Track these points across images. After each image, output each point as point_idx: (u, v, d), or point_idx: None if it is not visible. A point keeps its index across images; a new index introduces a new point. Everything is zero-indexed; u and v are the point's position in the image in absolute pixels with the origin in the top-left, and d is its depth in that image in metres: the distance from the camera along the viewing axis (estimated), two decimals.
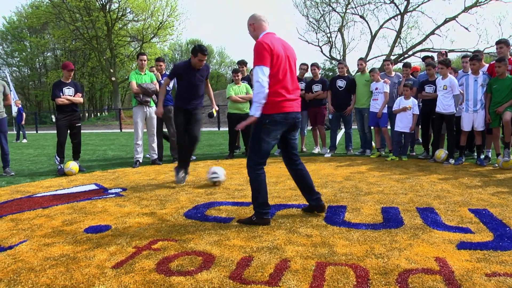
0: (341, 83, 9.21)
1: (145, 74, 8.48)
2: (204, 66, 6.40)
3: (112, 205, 5.00)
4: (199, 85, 6.41)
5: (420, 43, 32.96)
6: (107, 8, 32.12)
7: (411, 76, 8.87)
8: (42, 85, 46.03)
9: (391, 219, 4.17)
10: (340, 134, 10.44)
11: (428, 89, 8.15)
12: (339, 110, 9.15)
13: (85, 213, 4.70)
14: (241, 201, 5.04)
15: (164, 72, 8.89)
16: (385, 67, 9.32)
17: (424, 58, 9.32)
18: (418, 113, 8.16)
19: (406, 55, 33.71)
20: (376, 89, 8.58)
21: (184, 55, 75.27)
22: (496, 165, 7.23)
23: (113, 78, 30.96)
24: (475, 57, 7.46)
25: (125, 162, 9.09)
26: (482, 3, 30.21)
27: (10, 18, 42.20)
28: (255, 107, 4.01)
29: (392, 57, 33.54)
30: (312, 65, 9.64)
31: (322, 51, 36.18)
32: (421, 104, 8.46)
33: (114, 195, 5.57)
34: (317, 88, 9.56)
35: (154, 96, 8.37)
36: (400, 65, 30.43)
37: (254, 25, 4.20)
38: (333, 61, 36.03)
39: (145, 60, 8.41)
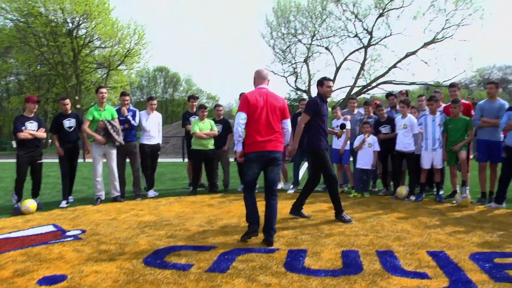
0: None
1: (105, 110, 8.22)
2: None
3: (70, 251, 4.83)
4: None
5: (383, 75, 34.15)
6: (74, 34, 31.75)
7: (372, 114, 9.10)
8: (4, 110, 44.76)
9: (350, 264, 4.20)
10: (303, 169, 10.50)
11: (384, 130, 8.38)
12: (301, 147, 9.15)
13: (40, 260, 4.51)
14: (201, 245, 4.97)
15: (129, 106, 8.77)
16: (349, 105, 9.52)
17: (387, 96, 9.56)
18: (379, 149, 8.34)
19: (369, 87, 34.75)
20: (337, 126, 8.73)
21: (151, 82, 74.99)
22: (454, 202, 7.42)
23: (78, 106, 30.42)
24: (433, 98, 7.74)
25: (87, 198, 8.83)
26: (438, 40, 31.80)
27: None
28: (236, 143, 5.24)
29: (356, 89, 34.45)
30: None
31: (287, 82, 36.81)
32: None
33: (72, 238, 5.38)
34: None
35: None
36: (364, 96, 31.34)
37: (255, 79, 5.34)
38: (298, 91, 36.67)
39: (105, 94, 8.20)
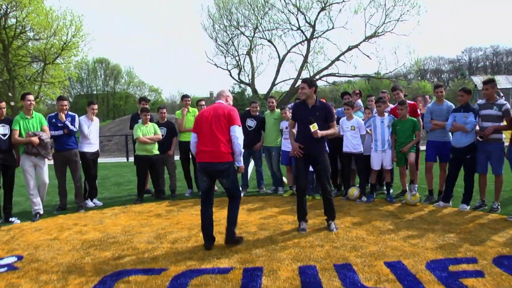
0: (251, 123, 9.07)
1: (33, 117, 7.55)
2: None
3: (2, 287, 4.31)
4: None
5: (326, 68, 34.64)
6: (2, 24, 29.51)
7: None
8: None
9: (309, 283, 4.06)
10: (250, 169, 10.32)
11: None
12: (248, 148, 8.95)
13: None
14: (152, 267, 4.66)
15: (67, 111, 8.19)
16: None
17: (342, 95, 9.50)
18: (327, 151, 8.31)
19: (313, 79, 35.14)
20: (287, 127, 8.57)
21: (91, 74, 72.19)
22: (404, 201, 7.52)
23: (12, 103, 28.53)
24: (380, 100, 7.79)
25: (24, 211, 8.14)
26: (379, 34, 32.68)
27: None
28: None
29: (300, 81, 34.65)
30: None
31: (231, 75, 36.52)
32: None
33: (6, 269, 4.78)
34: None
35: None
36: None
37: (215, 99, 5.65)
38: (242, 84, 36.47)
39: (33, 101, 7.55)
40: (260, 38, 36.01)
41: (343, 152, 8.06)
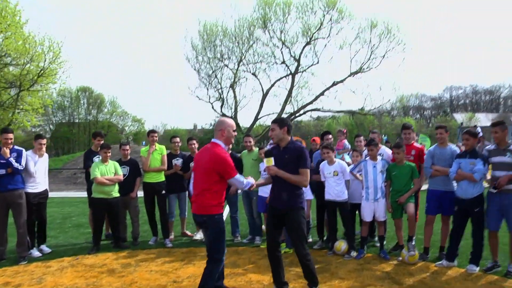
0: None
1: None
2: None
3: None
4: None
5: (311, 102, 34.15)
6: None
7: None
8: None
9: None
10: (225, 215, 9.21)
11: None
12: None
13: None
14: None
15: (12, 146, 7.07)
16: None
17: (323, 135, 8.54)
18: (311, 198, 7.30)
19: (297, 114, 34.50)
20: (265, 170, 7.51)
21: (74, 102, 70.60)
22: (400, 258, 6.48)
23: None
24: (372, 143, 6.86)
25: None
26: (365, 70, 32.53)
27: None
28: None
29: (284, 115, 34.03)
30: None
31: (213, 108, 35.68)
32: None
33: None
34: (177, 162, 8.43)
35: None
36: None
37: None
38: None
39: None
40: (244, 71, 35.42)
41: (325, 201, 7.08)
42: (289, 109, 34.58)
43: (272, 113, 35.17)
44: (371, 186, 6.72)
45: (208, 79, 35.23)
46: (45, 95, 32.24)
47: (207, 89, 35.49)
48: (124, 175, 7.87)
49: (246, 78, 35.89)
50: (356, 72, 32.90)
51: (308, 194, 7.14)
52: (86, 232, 9.41)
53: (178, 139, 8.68)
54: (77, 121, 70.95)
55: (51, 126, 67.55)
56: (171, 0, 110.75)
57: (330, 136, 8.37)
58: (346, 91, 51.96)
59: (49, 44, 29.62)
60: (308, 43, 33.27)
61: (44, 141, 7.60)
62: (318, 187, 7.30)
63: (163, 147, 8.47)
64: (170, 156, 8.48)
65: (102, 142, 8.23)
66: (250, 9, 44.03)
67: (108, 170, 7.59)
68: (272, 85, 35.08)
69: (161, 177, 8.22)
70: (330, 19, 32.67)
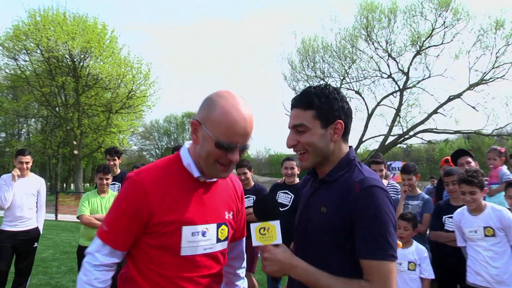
0: (285, 199, 5.38)
1: None
2: None
3: None
4: None
5: (422, 122, 29.48)
6: (77, 74, 28.88)
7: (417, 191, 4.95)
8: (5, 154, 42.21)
9: None
10: None
11: (451, 223, 4.17)
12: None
13: None
14: None
15: None
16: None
17: (456, 156, 5.28)
18: (432, 277, 4.07)
19: (406, 136, 30.17)
20: None
21: (179, 128, 72.39)
22: None
23: (75, 152, 27.21)
24: None
25: None
26: (487, 81, 27.22)
27: None
28: None
29: (391, 138, 30.01)
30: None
31: None
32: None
33: None
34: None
35: None
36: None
37: None
38: None
39: None
40: (347, 89, 32.05)
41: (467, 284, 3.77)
42: (397, 130, 30.41)
43: (378, 135, 31.30)
44: None
45: None
46: (134, 118, 32.02)
47: None
48: None
49: (350, 98, 32.48)
50: (476, 84, 27.63)
51: (425, 269, 4.01)
52: None
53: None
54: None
55: (157, 151, 70.04)
56: (266, 18, 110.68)
57: (470, 159, 5.07)
58: (464, 108, 45.31)
59: (138, 66, 29.49)
60: (418, 53, 28.78)
61: (26, 158, 5.42)
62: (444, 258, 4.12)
63: None
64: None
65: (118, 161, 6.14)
66: (351, 20, 39.85)
67: (103, 205, 5.16)
68: (378, 104, 31.23)
69: None
70: (443, 23, 27.82)
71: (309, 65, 32.46)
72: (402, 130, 30.13)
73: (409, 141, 32.77)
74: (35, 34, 26.70)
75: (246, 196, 5.49)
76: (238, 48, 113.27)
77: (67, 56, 28.24)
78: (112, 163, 5.91)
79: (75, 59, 28.61)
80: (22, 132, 42.49)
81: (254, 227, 1.71)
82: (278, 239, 1.69)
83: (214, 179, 1.88)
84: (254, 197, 5.60)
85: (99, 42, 27.83)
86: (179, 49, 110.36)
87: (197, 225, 1.79)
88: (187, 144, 1.92)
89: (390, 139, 30.43)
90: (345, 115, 1.78)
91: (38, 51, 27.88)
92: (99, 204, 5.15)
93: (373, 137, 31.65)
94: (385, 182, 5.54)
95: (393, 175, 11.81)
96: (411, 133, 29.91)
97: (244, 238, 2.22)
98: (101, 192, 5.25)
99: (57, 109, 30.28)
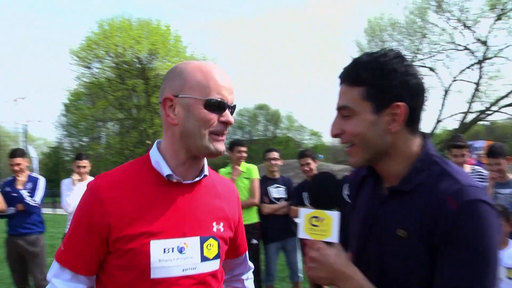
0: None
1: None
2: None
3: None
4: None
5: (506, 95, 27.08)
6: (146, 75, 30.09)
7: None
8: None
9: None
10: None
11: None
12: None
13: None
14: None
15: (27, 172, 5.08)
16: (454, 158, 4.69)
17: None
18: None
19: (489, 111, 27.94)
20: None
21: (252, 120, 73.14)
22: None
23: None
24: None
25: None
26: None
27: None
28: None
29: (471, 115, 27.94)
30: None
31: None
32: None
33: None
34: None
35: None
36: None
37: None
38: None
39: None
40: (420, 66, 30.24)
41: None
42: (478, 106, 28.19)
43: (457, 113, 29.31)
44: None
45: None
46: None
47: None
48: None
49: (423, 75, 30.65)
50: None
51: None
52: None
53: (275, 154, 5.75)
54: (255, 138, 73.62)
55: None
56: (329, 2, 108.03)
57: None
58: None
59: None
60: (498, 18, 26.05)
61: (83, 162, 5.43)
62: None
63: (253, 168, 5.60)
64: (265, 182, 5.60)
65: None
66: None
67: None
68: (455, 79, 29.17)
69: (252, 217, 5.37)
70: None
71: (378, 45, 30.97)
72: (484, 106, 27.96)
73: (492, 117, 30.37)
74: (104, 42, 28.32)
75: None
76: (303, 35, 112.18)
77: (135, 60, 29.55)
78: None
79: (142, 62, 29.74)
80: (102, 136, 44.79)
81: (304, 214, 1.37)
82: (333, 236, 1.32)
83: (196, 179, 1.50)
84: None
85: (164, 43, 28.79)
86: (245, 42, 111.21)
87: (170, 238, 1.41)
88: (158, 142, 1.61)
89: (470, 116, 28.33)
90: (411, 95, 1.29)
91: (109, 58, 29.40)
92: None
93: (451, 116, 29.69)
94: (467, 168, 4.86)
95: (476, 156, 10.74)
96: (494, 108, 27.63)
97: (247, 252, 1.84)
98: None
99: (132, 111, 31.69)
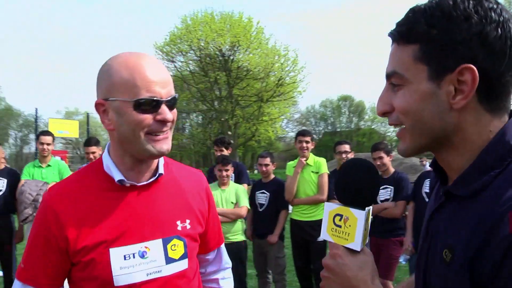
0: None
1: (49, 166, 5.50)
2: None
3: None
4: None
5: None
6: (229, 67, 30.68)
7: None
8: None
9: None
10: None
11: None
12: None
13: None
14: None
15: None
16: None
17: None
18: None
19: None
20: None
21: (335, 112, 72.04)
22: None
23: (231, 141, 28.78)
24: None
25: None
26: None
27: None
28: None
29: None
30: None
31: None
32: None
33: None
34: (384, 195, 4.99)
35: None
36: None
37: None
38: None
39: (46, 145, 5.40)
40: None
41: None
42: None
43: None
44: None
45: None
46: (286, 105, 32.56)
47: None
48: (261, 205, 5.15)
49: None
50: None
51: None
52: None
53: (346, 147, 5.44)
54: (338, 130, 72.45)
55: (314, 136, 70.77)
56: None
57: None
58: None
59: (285, 53, 29.92)
60: None
61: (92, 148, 5.53)
62: None
63: (322, 161, 5.25)
64: (335, 177, 5.26)
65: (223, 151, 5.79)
66: None
67: (224, 199, 4.92)
68: None
69: (319, 213, 5.02)
70: None
71: None
72: None
73: None
74: (187, 36, 29.26)
75: (383, 187, 4.83)
76: (387, 24, 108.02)
77: (217, 53, 30.17)
78: (219, 153, 5.66)
79: (225, 54, 30.31)
80: (186, 126, 46.53)
81: (328, 210, 1.04)
82: (356, 242, 0.98)
83: (150, 180, 1.38)
84: (393, 188, 4.87)
85: (246, 35, 29.07)
86: (329, 33, 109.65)
87: (129, 244, 1.33)
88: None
89: None
90: (489, 54, 0.82)
91: (192, 52, 30.36)
92: (219, 197, 4.90)
93: None
94: None
95: None
96: None
97: (223, 245, 1.73)
98: (222, 185, 5.01)
99: (214, 103, 32.53)
